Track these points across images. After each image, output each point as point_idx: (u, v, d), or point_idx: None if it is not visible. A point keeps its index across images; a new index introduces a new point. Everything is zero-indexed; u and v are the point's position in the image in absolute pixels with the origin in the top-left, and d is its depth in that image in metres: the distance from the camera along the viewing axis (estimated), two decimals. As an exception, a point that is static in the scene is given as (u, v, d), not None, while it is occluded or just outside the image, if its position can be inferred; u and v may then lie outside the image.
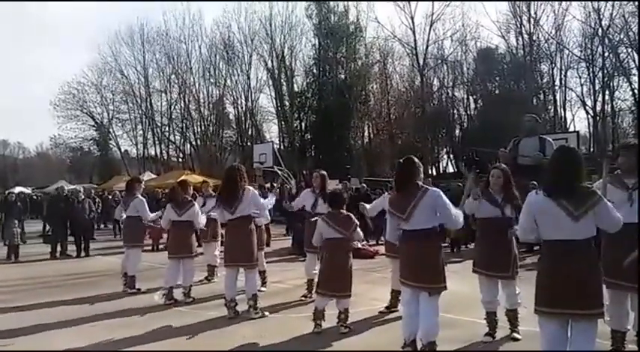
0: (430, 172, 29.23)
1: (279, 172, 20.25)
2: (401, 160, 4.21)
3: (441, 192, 4.04)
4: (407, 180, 4.07)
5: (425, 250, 3.95)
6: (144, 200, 7.45)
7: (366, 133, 34.73)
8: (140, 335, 4.86)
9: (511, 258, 4.49)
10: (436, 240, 4.02)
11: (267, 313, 5.58)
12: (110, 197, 19.43)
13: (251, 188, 5.73)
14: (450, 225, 4.15)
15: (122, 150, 40.59)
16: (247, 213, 5.57)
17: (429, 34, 31.08)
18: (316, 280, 5.25)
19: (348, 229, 4.91)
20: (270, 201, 6.38)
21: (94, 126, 39.02)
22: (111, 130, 39.30)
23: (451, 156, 34.45)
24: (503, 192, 4.59)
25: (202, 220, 6.79)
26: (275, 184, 7.74)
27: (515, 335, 4.53)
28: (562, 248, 3.08)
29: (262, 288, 6.78)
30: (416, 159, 4.17)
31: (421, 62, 31.40)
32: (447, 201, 3.99)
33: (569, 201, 3.05)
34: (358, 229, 5.03)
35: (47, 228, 12.98)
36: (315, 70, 33.28)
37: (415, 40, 31.20)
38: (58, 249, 11.47)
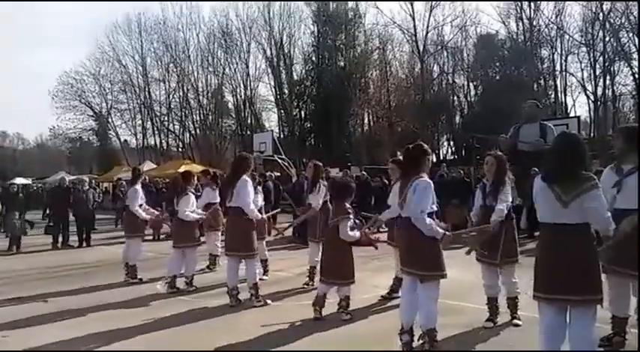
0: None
1: (280, 161, 20.26)
2: (410, 146, 4.08)
3: (426, 185, 3.80)
4: (411, 166, 3.99)
5: (417, 237, 3.86)
6: (138, 189, 7.32)
7: (365, 121, 34.67)
8: (142, 325, 4.89)
9: (499, 247, 4.45)
10: None
11: (269, 301, 5.61)
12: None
13: (245, 179, 5.54)
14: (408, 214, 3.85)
15: (121, 140, 40.60)
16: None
17: (429, 19, 30.93)
18: (319, 268, 5.26)
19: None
20: (257, 200, 6.28)
21: (92, 116, 38.98)
22: (110, 120, 39.27)
23: (451, 143, 34.45)
24: (492, 180, 4.56)
25: (189, 214, 6.50)
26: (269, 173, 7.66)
27: (516, 321, 4.55)
28: (555, 232, 3.10)
29: (264, 277, 6.80)
30: (425, 146, 4.04)
31: (421, 48, 31.20)
32: (421, 195, 3.76)
33: (560, 185, 3.06)
34: (348, 227, 4.80)
35: (46, 217, 12.94)
36: (314, 58, 33.14)
37: (415, 26, 31.04)
38: (60, 239, 11.50)
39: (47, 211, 12.52)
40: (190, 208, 6.58)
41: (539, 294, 3.14)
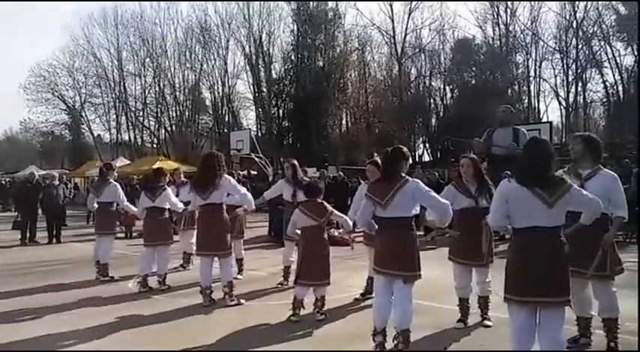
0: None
1: (257, 159, 20.17)
2: (389, 149, 4.15)
3: (420, 182, 4.03)
4: (392, 169, 4.02)
5: (401, 238, 3.95)
6: (118, 185, 7.35)
7: (343, 121, 34.80)
8: (113, 324, 4.81)
9: (486, 248, 4.56)
10: (412, 228, 4.03)
11: (243, 300, 5.58)
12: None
13: (227, 176, 5.67)
14: (439, 212, 3.99)
15: (95, 135, 39.78)
16: (220, 201, 5.53)
17: (408, 22, 31.24)
18: (293, 268, 5.25)
19: (322, 216, 4.92)
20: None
21: (65, 110, 38.08)
22: (83, 114, 38.41)
23: (427, 145, 34.85)
24: (476, 182, 4.66)
25: (178, 203, 6.70)
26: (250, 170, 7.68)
27: (486, 322, 4.63)
28: (534, 236, 3.14)
29: (239, 276, 6.77)
30: (405, 150, 4.12)
31: (399, 51, 31.49)
32: (427, 188, 4.01)
33: (542, 188, 3.12)
34: (337, 213, 5.04)
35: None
36: (293, 57, 33.05)
37: (394, 29, 31.35)
38: (27, 235, 11.21)
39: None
40: (175, 199, 6.67)
41: (513, 296, 3.18)
